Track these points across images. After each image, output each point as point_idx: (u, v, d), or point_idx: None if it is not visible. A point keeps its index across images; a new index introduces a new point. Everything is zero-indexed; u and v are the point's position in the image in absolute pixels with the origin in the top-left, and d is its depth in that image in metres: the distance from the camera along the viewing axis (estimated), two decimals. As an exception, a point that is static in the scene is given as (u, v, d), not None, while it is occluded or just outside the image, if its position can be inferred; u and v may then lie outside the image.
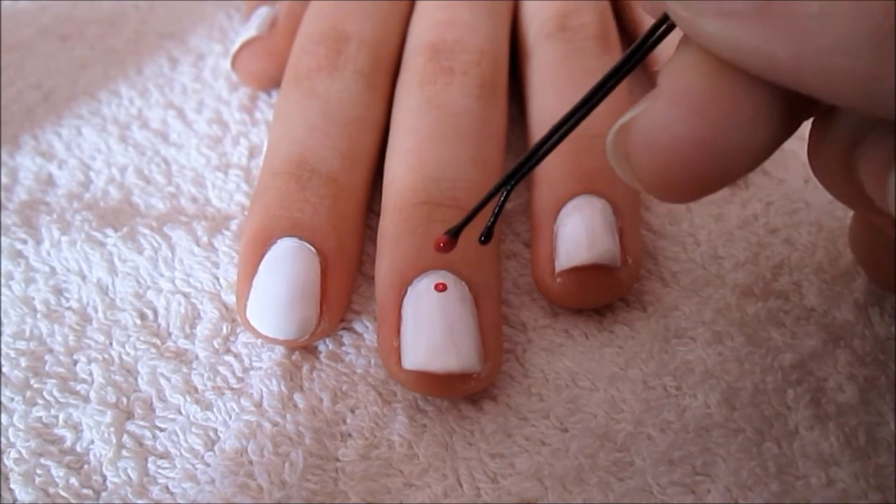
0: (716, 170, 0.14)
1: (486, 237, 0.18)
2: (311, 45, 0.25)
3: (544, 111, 0.24)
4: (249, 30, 0.27)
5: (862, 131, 0.14)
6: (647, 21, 0.26)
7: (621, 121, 0.15)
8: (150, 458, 0.19)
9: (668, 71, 0.14)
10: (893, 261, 0.19)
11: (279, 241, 0.20)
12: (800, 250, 0.23)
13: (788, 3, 0.12)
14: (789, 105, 0.14)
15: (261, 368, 0.20)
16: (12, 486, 0.19)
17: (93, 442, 0.19)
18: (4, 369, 0.21)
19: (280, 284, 0.20)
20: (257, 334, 0.20)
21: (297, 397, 0.20)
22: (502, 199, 0.18)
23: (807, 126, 0.16)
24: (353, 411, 0.20)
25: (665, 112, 0.14)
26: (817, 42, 0.12)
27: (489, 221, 0.18)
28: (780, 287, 0.22)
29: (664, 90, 0.14)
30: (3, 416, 0.20)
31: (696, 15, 0.13)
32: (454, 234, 0.18)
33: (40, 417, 0.20)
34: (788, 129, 0.14)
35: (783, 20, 0.12)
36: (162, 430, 0.20)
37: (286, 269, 0.20)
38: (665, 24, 0.15)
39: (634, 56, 0.16)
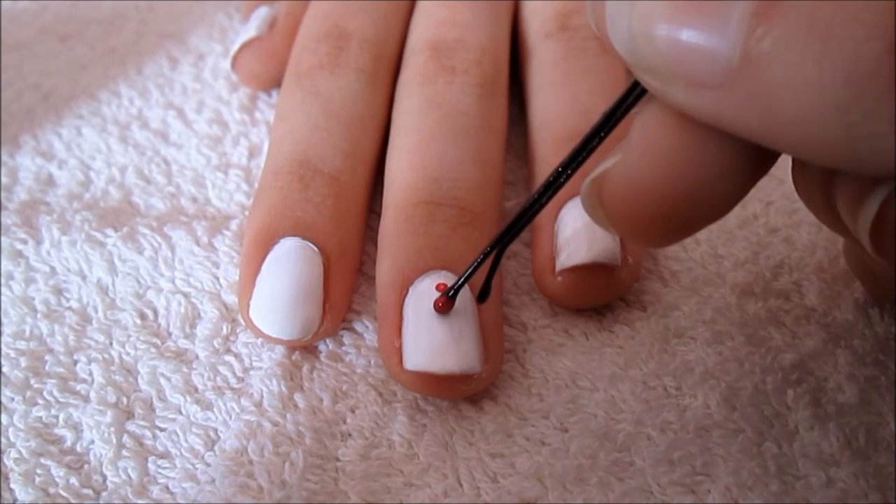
0: (688, 218, 0.15)
1: (483, 296, 0.19)
2: (312, 43, 0.25)
3: (544, 111, 0.24)
4: (249, 30, 0.27)
5: None
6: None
7: (594, 174, 0.16)
8: (151, 458, 0.19)
9: (639, 124, 0.15)
10: (885, 279, 0.20)
11: (282, 240, 0.20)
12: (800, 250, 0.23)
13: (753, 73, 0.12)
14: (760, 151, 0.14)
15: (261, 368, 0.20)
16: (12, 485, 0.19)
17: (93, 442, 0.19)
18: (4, 369, 0.21)
19: (283, 284, 0.20)
20: (260, 334, 0.20)
21: (298, 397, 0.20)
22: (497, 256, 0.18)
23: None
24: (353, 411, 0.20)
25: (635, 166, 0.15)
26: (784, 111, 0.12)
27: (485, 279, 0.19)
28: (780, 287, 0.22)
29: (634, 143, 0.15)
30: (3, 416, 0.20)
31: (665, 85, 0.13)
32: (451, 294, 0.19)
33: (40, 417, 0.20)
34: (760, 172, 0.15)
35: (750, 89, 0.12)
36: (162, 429, 0.20)
37: (289, 269, 0.20)
38: (639, 87, 0.15)
39: (612, 118, 0.16)
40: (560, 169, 0.17)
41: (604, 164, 0.15)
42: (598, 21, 0.15)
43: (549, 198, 0.17)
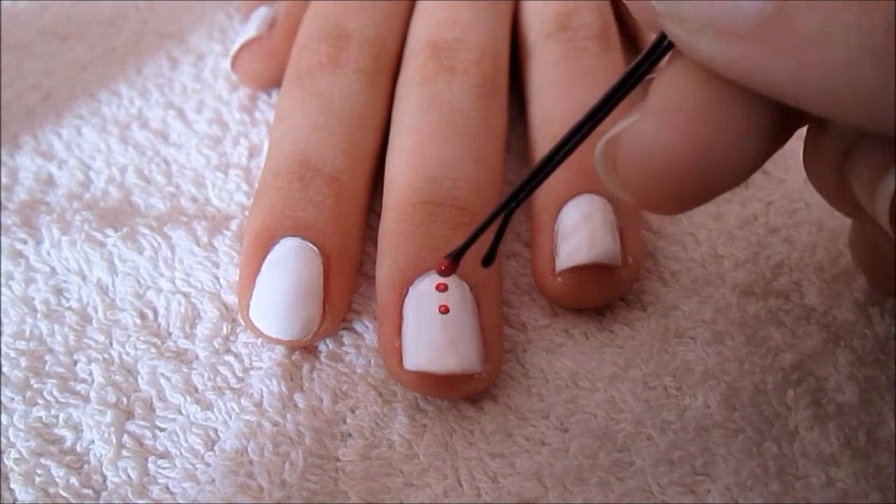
0: (706, 183, 0.14)
1: (489, 259, 0.18)
2: (312, 42, 0.25)
3: (545, 111, 0.24)
4: (249, 30, 0.27)
5: (853, 140, 0.14)
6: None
7: (610, 133, 0.15)
8: (150, 458, 0.19)
9: (660, 84, 0.14)
10: (893, 267, 0.19)
11: (282, 240, 0.20)
12: (800, 250, 0.23)
13: (788, 22, 0.11)
14: (782, 117, 0.14)
15: (261, 368, 0.20)
16: (12, 485, 0.19)
17: (93, 442, 0.19)
18: (4, 369, 0.21)
19: (283, 284, 0.20)
20: (260, 334, 0.20)
21: (298, 397, 0.20)
22: (504, 220, 0.17)
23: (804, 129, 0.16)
24: (353, 411, 0.20)
25: (655, 126, 0.14)
26: (818, 61, 0.11)
27: (491, 243, 0.18)
28: (780, 286, 0.22)
29: (655, 103, 0.14)
30: (3, 416, 0.20)
31: (692, 34, 0.13)
32: (456, 257, 0.18)
33: (40, 417, 0.20)
34: (780, 141, 0.14)
35: (783, 40, 0.12)
36: (162, 429, 0.20)
37: (289, 269, 0.20)
38: (665, 41, 0.15)
39: (636, 73, 0.15)
40: (576, 128, 0.16)
41: (620, 124, 0.15)
42: None
43: (563, 158, 0.16)
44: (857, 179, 0.14)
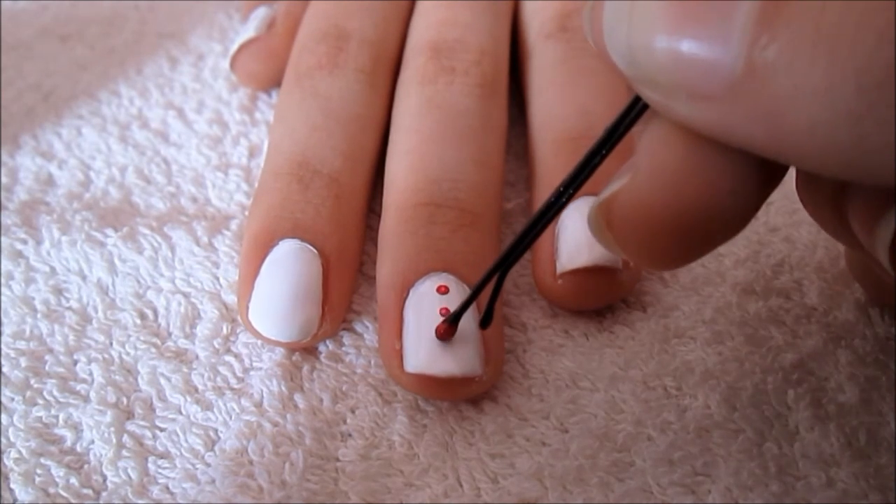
0: (701, 238, 0.14)
1: (486, 322, 0.19)
2: (311, 43, 0.25)
3: (545, 111, 0.24)
4: (248, 31, 0.27)
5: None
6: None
7: (601, 197, 0.15)
8: (151, 458, 0.19)
9: (645, 143, 0.14)
10: (888, 285, 0.19)
11: (281, 242, 0.20)
12: (800, 249, 0.23)
13: (759, 83, 0.11)
14: (770, 167, 0.13)
15: (261, 368, 0.20)
16: (12, 485, 0.19)
17: (93, 442, 0.19)
18: (4, 369, 0.21)
19: (282, 286, 0.20)
20: (259, 336, 0.20)
21: (298, 397, 0.20)
22: (498, 281, 0.18)
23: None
24: (353, 411, 0.20)
25: (643, 188, 0.14)
26: (793, 122, 0.11)
27: (487, 305, 0.18)
28: (780, 285, 0.22)
29: (641, 165, 0.14)
30: (3, 416, 0.20)
31: (666, 98, 0.13)
32: (454, 320, 0.19)
33: (40, 417, 0.20)
34: (770, 188, 0.14)
35: (755, 101, 0.11)
36: (162, 430, 0.20)
37: (288, 271, 0.20)
38: (641, 102, 0.15)
39: (614, 134, 0.15)
40: (562, 188, 0.16)
41: (610, 187, 0.15)
42: (595, 34, 0.14)
43: (552, 218, 0.17)
44: (854, 216, 0.14)
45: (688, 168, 0.14)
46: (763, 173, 0.14)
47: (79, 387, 0.20)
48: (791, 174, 0.25)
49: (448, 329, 0.19)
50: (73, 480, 0.19)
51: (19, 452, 0.19)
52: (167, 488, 0.19)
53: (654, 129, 0.14)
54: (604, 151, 0.15)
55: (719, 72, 0.12)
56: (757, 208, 0.14)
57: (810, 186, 0.16)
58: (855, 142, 0.11)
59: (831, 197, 0.15)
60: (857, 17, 0.11)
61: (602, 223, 0.15)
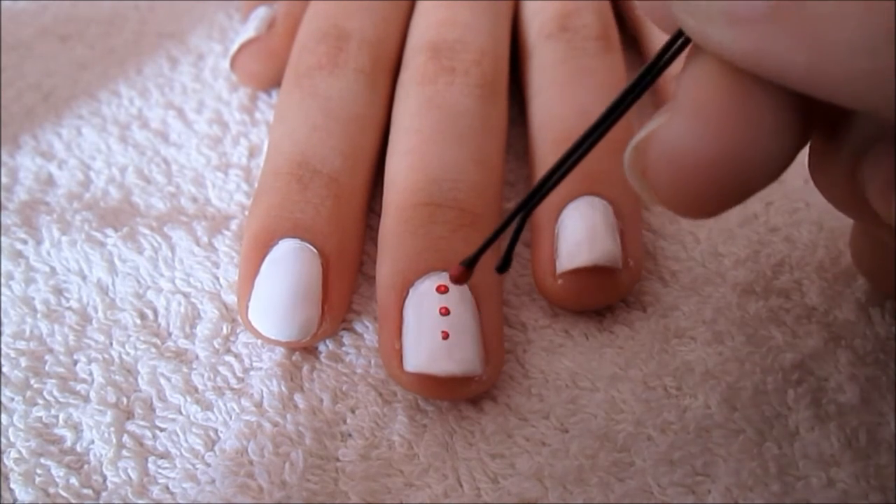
0: (738, 183, 0.14)
1: (504, 266, 0.17)
2: (311, 43, 0.25)
3: (545, 111, 0.24)
4: (248, 31, 0.27)
5: (866, 145, 0.14)
6: (648, 22, 0.26)
7: (637, 137, 0.15)
8: (151, 458, 0.19)
9: (684, 83, 0.14)
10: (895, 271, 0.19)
11: (281, 241, 0.20)
12: (800, 249, 0.23)
13: (800, 4, 0.11)
14: (807, 112, 0.13)
15: (261, 368, 0.20)
16: (12, 485, 0.19)
17: (93, 442, 0.19)
18: (4, 369, 0.21)
19: (282, 286, 0.20)
20: (259, 335, 0.20)
21: (298, 397, 0.20)
22: (518, 225, 0.17)
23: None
24: (353, 411, 0.20)
25: (683, 127, 0.14)
26: (833, 44, 0.11)
27: (506, 250, 0.17)
28: (781, 285, 0.22)
29: (681, 104, 0.14)
30: (3, 416, 0.20)
31: (704, 23, 0.13)
32: (469, 264, 0.18)
33: (40, 417, 0.20)
34: (805, 138, 0.14)
35: (796, 23, 0.11)
36: (162, 430, 0.20)
37: (288, 271, 0.20)
38: (678, 42, 0.14)
39: (648, 75, 0.15)
40: (589, 132, 0.16)
41: (647, 127, 0.14)
42: None
43: (576, 162, 0.16)
44: (871, 184, 0.14)
45: (730, 107, 0.13)
46: (803, 116, 0.13)
47: (79, 387, 0.20)
48: (795, 171, 0.25)
49: (463, 273, 0.18)
50: (73, 480, 0.19)
51: (19, 452, 0.19)
52: (167, 488, 0.19)
53: (695, 69, 0.14)
54: (637, 91, 0.15)
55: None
56: (793, 157, 0.14)
57: (826, 159, 0.15)
58: (894, 65, 0.11)
59: (846, 165, 0.15)
60: None
61: (637, 167, 0.15)
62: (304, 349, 0.21)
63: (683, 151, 0.14)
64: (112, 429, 0.19)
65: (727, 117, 0.13)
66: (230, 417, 0.20)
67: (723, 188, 0.14)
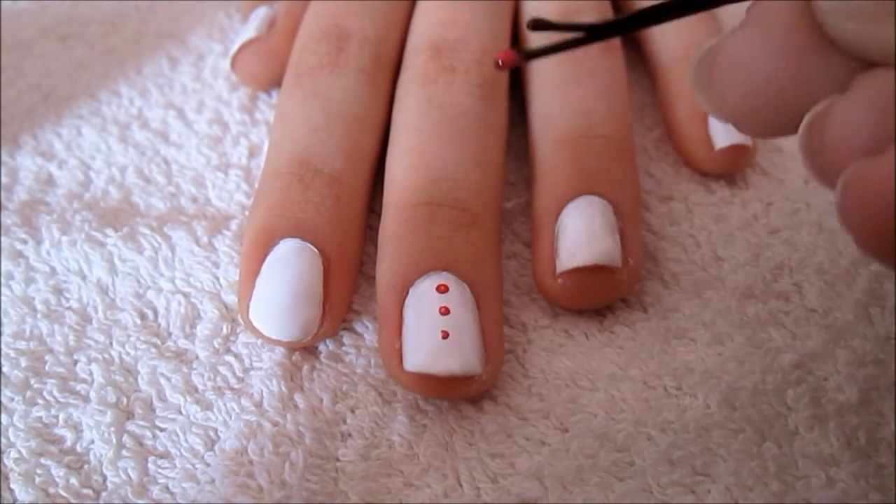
0: (798, 102, 0.14)
1: (533, 54, 0.16)
2: (312, 42, 0.25)
3: (545, 111, 0.24)
4: (248, 31, 0.27)
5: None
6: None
7: (706, 45, 0.15)
8: (150, 458, 0.19)
9: (759, 6, 0.14)
10: None
11: (282, 241, 0.20)
12: (800, 251, 0.23)
13: None
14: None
15: (261, 368, 0.20)
16: (12, 485, 0.19)
17: (93, 442, 0.19)
18: (4, 369, 0.21)
19: (283, 286, 0.20)
20: (259, 335, 0.20)
21: (298, 397, 0.20)
22: (589, 39, 0.16)
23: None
24: (353, 411, 0.20)
25: (756, 41, 0.14)
26: None
27: (548, 47, 0.16)
28: (780, 288, 0.22)
29: (755, 20, 0.14)
30: (3, 416, 0.20)
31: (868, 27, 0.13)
32: (528, 55, 0.16)
33: (40, 417, 0.20)
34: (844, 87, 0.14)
35: None
36: (162, 430, 0.20)
37: (289, 271, 0.20)
38: None
39: None
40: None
41: (715, 39, 0.15)
42: None
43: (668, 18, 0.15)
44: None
45: (802, 32, 0.14)
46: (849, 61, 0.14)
47: (79, 387, 0.20)
48: (787, 170, 0.25)
49: (512, 57, 0.16)
50: (73, 480, 0.19)
51: (19, 452, 0.19)
52: (167, 488, 0.19)
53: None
54: None
55: None
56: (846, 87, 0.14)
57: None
58: None
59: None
60: None
61: (703, 75, 0.15)
62: (304, 349, 0.21)
63: (755, 63, 0.14)
64: (112, 429, 0.19)
65: (798, 39, 0.14)
66: (230, 417, 0.20)
67: (783, 105, 0.14)
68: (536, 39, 0.25)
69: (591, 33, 0.16)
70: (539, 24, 0.15)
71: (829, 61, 0.14)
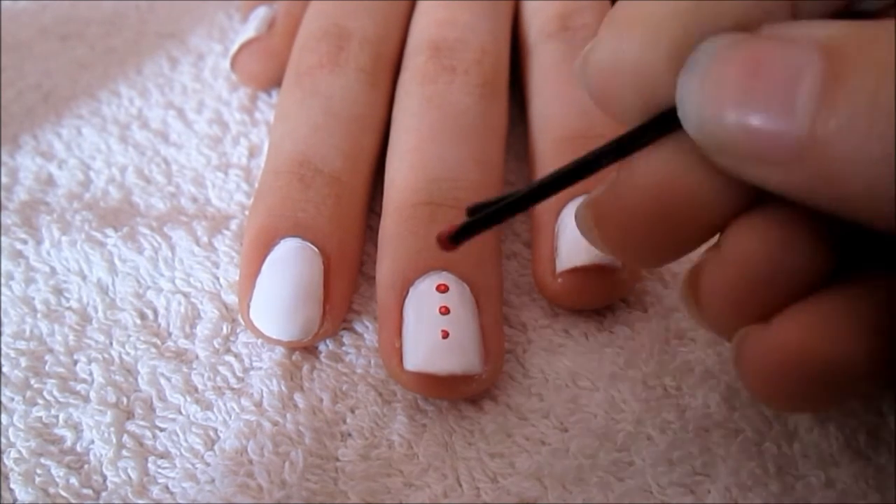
0: (677, 241, 0.16)
1: (458, 236, 0.16)
2: (312, 41, 0.25)
3: (545, 112, 0.24)
4: (248, 30, 0.27)
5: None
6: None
7: (587, 198, 0.17)
8: (150, 458, 0.19)
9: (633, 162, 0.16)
10: None
11: (282, 241, 0.20)
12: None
13: (821, 151, 0.12)
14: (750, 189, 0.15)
15: (261, 368, 0.20)
16: (12, 485, 0.19)
17: (93, 442, 0.19)
18: (4, 369, 0.21)
19: (283, 285, 0.20)
20: (260, 335, 0.20)
21: (298, 397, 0.20)
22: (502, 216, 0.17)
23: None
24: (353, 411, 0.20)
25: (628, 188, 0.16)
26: (853, 186, 0.12)
27: (468, 224, 0.16)
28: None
29: (630, 167, 0.16)
30: (3, 416, 0.20)
31: (737, 163, 0.14)
32: (454, 239, 0.16)
33: (40, 417, 0.20)
34: (748, 203, 0.15)
35: (818, 167, 0.13)
36: (162, 429, 0.20)
37: (289, 270, 0.20)
38: (673, 123, 0.15)
39: (637, 140, 0.16)
40: (560, 173, 0.16)
41: (598, 188, 0.17)
42: (590, 82, 0.16)
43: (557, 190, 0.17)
44: None
45: (671, 174, 0.15)
46: (744, 192, 0.15)
47: (79, 387, 0.20)
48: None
49: (447, 242, 0.16)
50: (73, 480, 0.19)
51: (19, 452, 0.19)
52: (167, 488, 0.19)
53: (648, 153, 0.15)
54: (610, 159, 0.16)
55: (785, 141, 0.13)
56: (733, 216, 0.15)
57: None
58: None
59: None
60: None
61: (590, 221, 0.17)
62: (304, 349, 0.21)
63: (627, 210, 0.16)
64: (112, 429, 0.19)
65: (667, 184, 0.15)
66: (230, 417, 0.20)
67: (662, 245, 0.16)
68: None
69: (524, 200, 0.17)
70: (476, 209, 0.17)
71: (706, 182, 0.15)
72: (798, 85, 0.13)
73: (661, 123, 0.15)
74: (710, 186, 0.15)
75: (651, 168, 0.15)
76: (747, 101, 0.13)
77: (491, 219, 0.17)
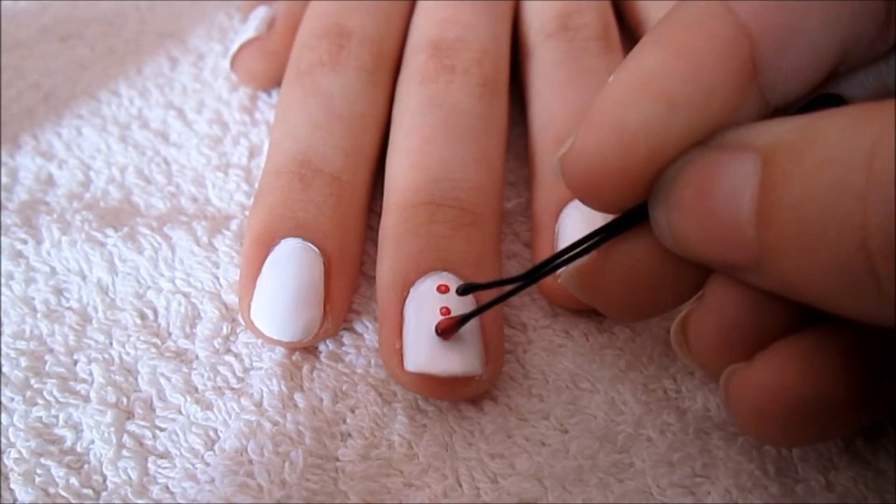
0: (656, 305, 0.18)
1: (447, 330, 0.19)
2: (312, 40, 0.25)
3: (545, 111, 0.24)
4: (248, 30, 0.27)
5: None
6: (650, 20, 0.26)
7: (574, 263, 0.18)
8: (150, 458, 0.19)
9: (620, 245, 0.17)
10: None
11: (283, 241, 0.20)
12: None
13: (774, 263, 0.14)
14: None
15: (261, 368, 0.20)
16: (12, 485, 0.19)
17: (93, 442, 0.19)
18: (4, 369, 0.21)
19: (284, 286, 0.20)
20: (260, 335, 0.20)
21: (298, 397, 0.20)
22: (490, 305, 0.19)
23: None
24: (353, 411, 0.20)
25: (610, 264, 0.17)
26: (809, 290, 0.13)
27: (462, 318, 0.19)
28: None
29: (607, 255, 0.17)
30: (3, 416, 0.20)
31: (707, 262, 0.15)
32: (449, 328, 0.19)
33: (40, 417, 0.20)
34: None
35: (776, 274, 0.14)
36: (162, 429, 0.20)
37: (290, 271, 0.20)
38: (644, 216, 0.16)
39: (612, 230, 0.17)
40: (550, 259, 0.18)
41: (580, 262, 0.18)
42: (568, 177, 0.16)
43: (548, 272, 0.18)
44: None
45: (649, 254, 0.17)
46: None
47: (79, 387, 0.20)
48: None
49: (447, 330, 0.19)
50: (73, 480, 0.19)
51: (19, 452, 0.19)
52: (167, 488, 0.19)
53: (631, 240, 0.17)
54: (593, 246, 0.17)
55: (743, 254, 0.14)
56: (697, 290, 0.17)
57: None
58: (855, 307, 0.13)
59: None
60: (823, 213, 0.12)
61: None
62: (304, 349, 0.21)
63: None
64: (112, 429, 0.19)
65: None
66: (230, 417, 0.20)
67: (642, 306, 0.18)
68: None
69: (526, 280, 0.18)
70: (467, 289, 0.18)
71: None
72: (742, 198, 0.14)
73: (640, 212, 0.16)
74: (683, 263, 0.16)
75: (631, 249, 0.17)
76: (702, 222, 0.14)
77: (481, 310, 0.19)
